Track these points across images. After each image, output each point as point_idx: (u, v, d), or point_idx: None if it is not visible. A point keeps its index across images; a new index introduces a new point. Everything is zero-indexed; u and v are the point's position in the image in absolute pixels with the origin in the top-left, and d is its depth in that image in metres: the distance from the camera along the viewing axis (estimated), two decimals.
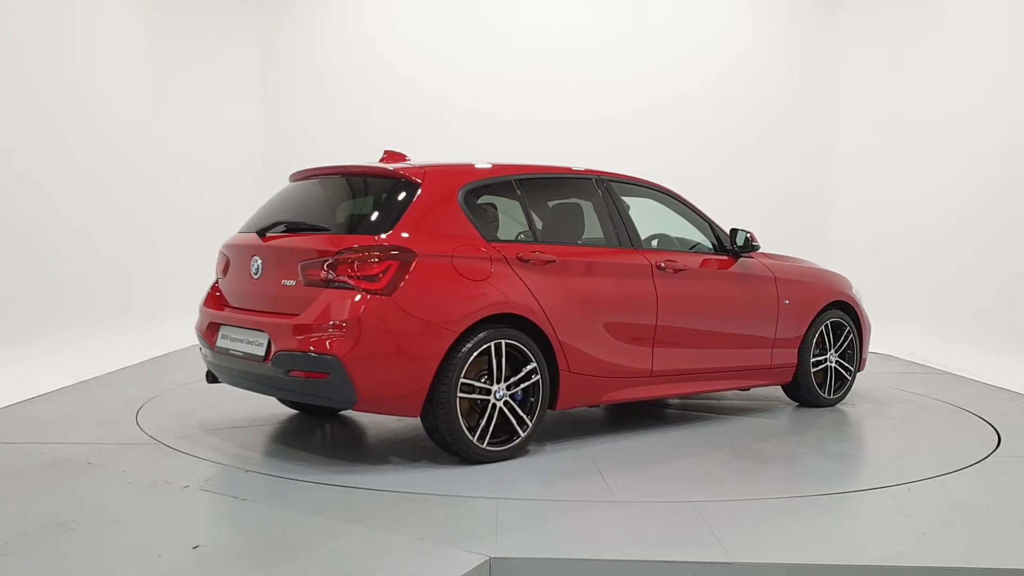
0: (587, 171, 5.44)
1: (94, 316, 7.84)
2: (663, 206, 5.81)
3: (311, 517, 3.64)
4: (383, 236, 4.33)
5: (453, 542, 3.33)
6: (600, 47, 10.73)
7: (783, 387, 6.22)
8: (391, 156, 5.11)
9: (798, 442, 5.21)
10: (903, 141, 10.05)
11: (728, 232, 5.77)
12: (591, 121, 10.69)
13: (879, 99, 10.46)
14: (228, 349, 4.69)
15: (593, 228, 5.35)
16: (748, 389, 6.42)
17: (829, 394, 6.19)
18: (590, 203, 5.38)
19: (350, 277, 4.21)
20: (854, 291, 6.43)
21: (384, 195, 4.58)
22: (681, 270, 5.37)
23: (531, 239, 4.90)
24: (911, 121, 9.91)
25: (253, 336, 4.52)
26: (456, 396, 4.32)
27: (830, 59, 10.92)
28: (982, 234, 8.46)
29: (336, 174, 4.93)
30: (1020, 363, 7.42)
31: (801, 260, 6.43)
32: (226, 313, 4.86)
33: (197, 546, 3.27)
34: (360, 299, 4.18)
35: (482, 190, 4.86)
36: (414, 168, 4.68)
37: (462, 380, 4.33)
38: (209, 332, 4.91)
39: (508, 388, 4.52)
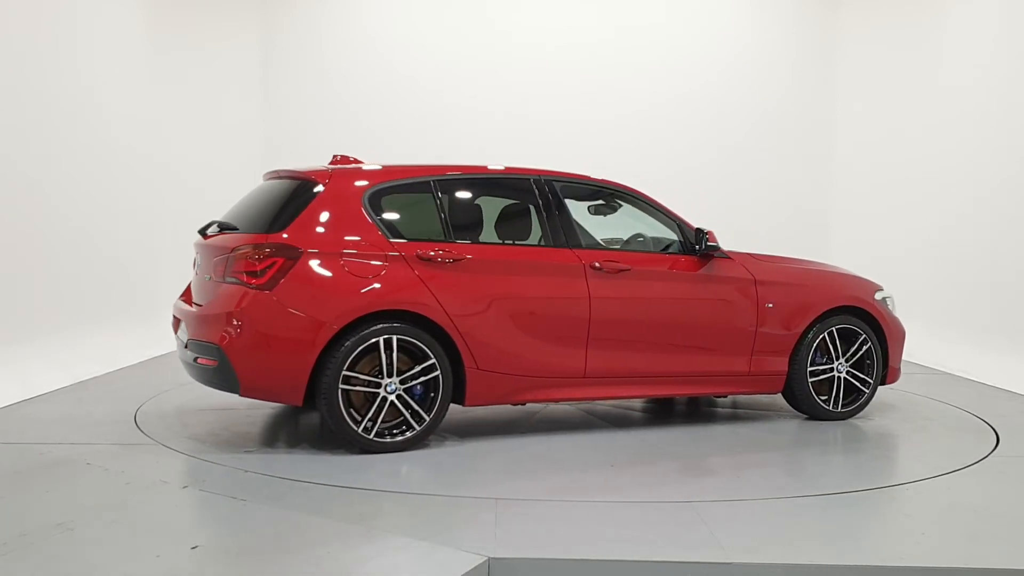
0: (525, 171, 5.40)
1: (94, 316, 7.84)
2: (628, 207, 5.67)
3: (310, 517, 3.64)
4: (273, 235, 4.63)
5: (452, 542, 3.33)
6: (600, 47, 10.73)
7: (785, 398, 5.83)
8: (341, 160, 5.27)
9: (797, 443, 5.20)
10: (903, 141, 10.05)
11: (695, 232, 5.52)
12: (591, 121, 10.69)
13: (879, 99, 10.46)
14: (181, 341, 5.06)
15: (526, 227, 5.33)
16: (725, 396, 6.05)
17: (835, 407, 5.71)
18: (525, 203, 5.35)
19: (238, 273, 4.59)
20: (878, 296, 5.91)
21: (290, 196, 4.87)
22: (624, 270, 5.22)
23: (442, 238, 4.95)
24: (911, 121, 9.90)
25: (184, 328, 5.00)
26: (338, 388, 4.52)
27: (830, 59, 10.92)
28: (982, 234, 8.46)
29: (277, 177, 5.20)
30: (1019, 363, 7.42)
31: (803, 261, 6.06)
32: (183, 307, 5.16)
33: (196, 546, 3.27)
34: (243, 293, 4.54)
35: (392, 191, 5.02)
36: (322, 171, 4.98)
37: (346, 372, 4.53)
38: (175, 326, 5.25)
39: (403, 383, 4.67)
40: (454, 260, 4.86)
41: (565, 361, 5.08)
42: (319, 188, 4.83)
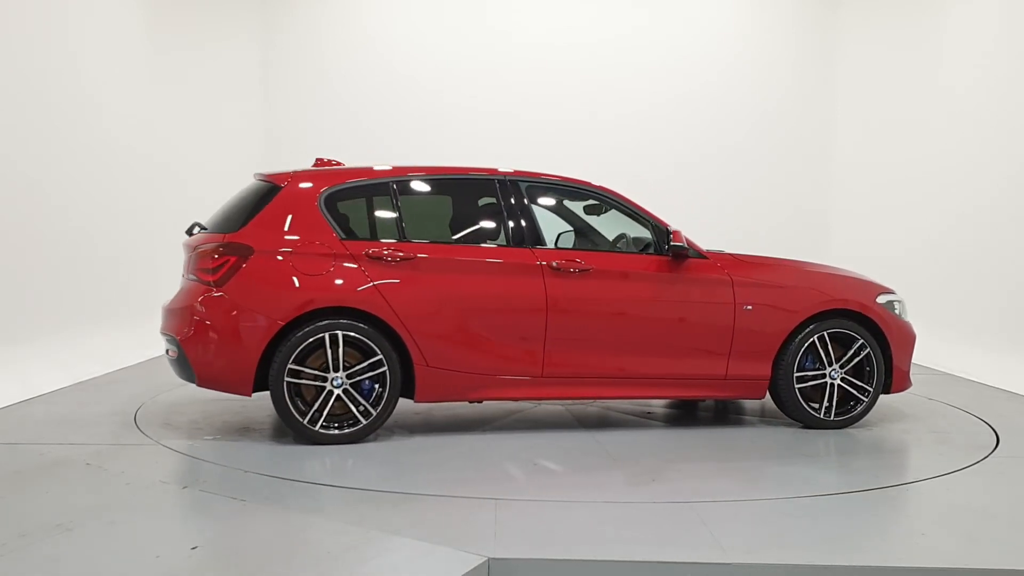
0: (489, 171, 5.40)
1: (93, 316, 7.84)
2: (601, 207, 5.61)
3: (310, 518, 3.64)
4: (231, 234, 4.91)
5: (452, 543, 3.33)
6: (600, 48, 10.76)
7: (776, 405, 5.59)
8: (321, 163, 5.51)
9: (796, 443, 5.20)
10: (903, 141, 10.05)
11: (664, 232, 5.39)
12: (591, 121, 10.70)
13: (879, 99, 10.46)
14: None
15: (488, 227, 5.35)
16: (703, 400, 5.84)
17: (828, 415, 5.46)
18: (488, 203, 5.38)
19: (198, 270, 4.94)
20: (882, 299, 5.62)
21: (254, 198, 5.12)
22: (585, 270, 5.18)
23: (396, 238, 5.07)
24: (911, 121, 9.91)
25: None
26: (283, 380, 4.76)
27: (830, 59, 10.93)
28: (981, 235, 8.46)
29: (257, 179, 5.35)
30: (1018, 364, 7.42)
31: (797, 263, 5.77)
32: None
33: (195, 547, 3.27)
34: (199, 289, 4.90)
35: (349, 192, 5.19)
36: (283, 174, 5.19)
37: (292, 366, 4.76)
38: None
39: (351, 377, 4.85)
40: (404, 259, 4.98)
41: (521, 360, 5.10)
42: (277, 190, 5.07)
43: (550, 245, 5.40)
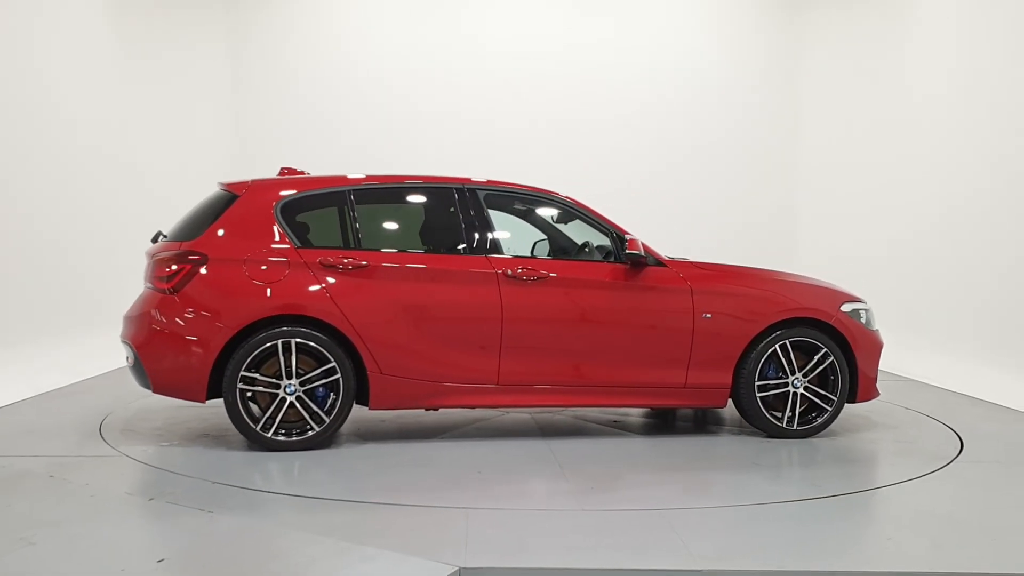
0: (446, 180, 5.42)
1: (57, 326, 7.72)
2: (556, 214, 5.62)
3: (279, 529, 3.61)
4: (187, 243, 4.98)
5: (423, 552, 3.32)
6: (569, 57, 10.82)
7: (740, 414, 5.53)
8: (288, 171, 5.54)
9: (764, 450, 5.24)
10: (869, 147, 10.19)
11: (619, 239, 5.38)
12: (559, 130, 10.76)
13: (845, 105, 10.60)
14: None
15: (445, 235, 5.36)
16: (664, 408, 5.65)
17: (791, 424, 5.42)
18: (445, 212, 5.37)
19: (154, 278, 5.02)
20: (847, 308, 5.56)
21: (211, 206, 5.20)
22: (541, 278, 5.18)
23: (351, 246, 5.12)
24: (877, 127, 10.04)
25: None
26: (236, 387, 4.80)
27: (795, 66, 11.10)
28: (947, 241, 8.59)
29: (219, 187, 5.38)
30: (981, 370, 7.54)
31: (759, 271, 5.68)
32: None
33: (162, 559, 3.23)
34: (154, 297, 4.96)
35: (306, 201, 5.22)
36: (241, 183, 5.25)
37: (244, 373, 4.80)
38: None
39: (304, 384, 4.87)
40: (357, 267, 5.00)
41: (477, 368, 5.11)
42: (234, 198, 5.13)
43: (526, 254, 5.40)
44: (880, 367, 5.73)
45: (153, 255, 5.11)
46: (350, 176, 5.37)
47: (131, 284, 5.38)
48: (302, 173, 5.54)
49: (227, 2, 10.72)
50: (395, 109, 10.63)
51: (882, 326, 5.95)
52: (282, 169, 5.58)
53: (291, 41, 10.78)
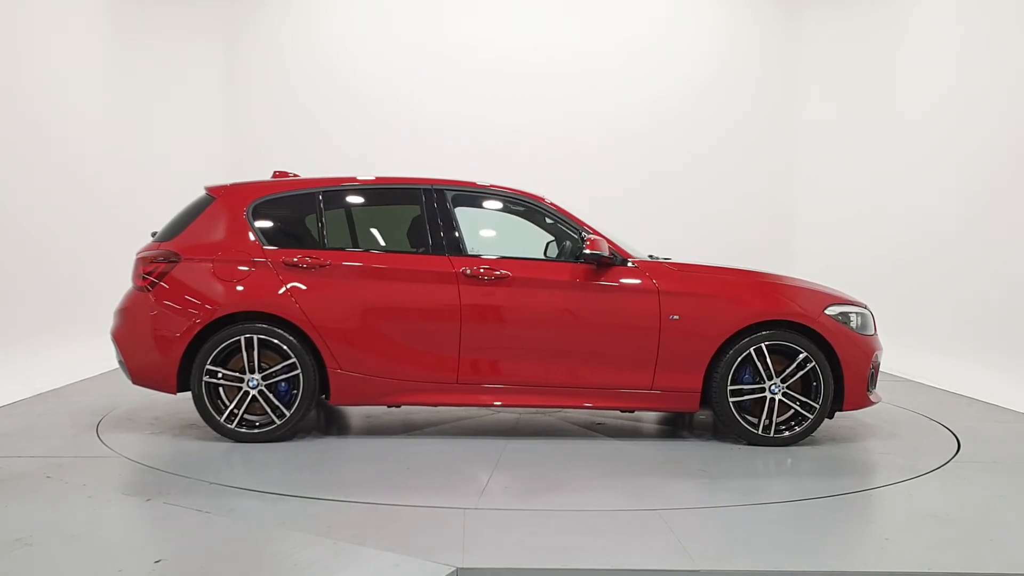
0: (413, 181, 5.50)
1: (53, 326, 7.71)
2: (522, 214, 5.55)
3: (276, 529, 3.60)
4: (165, 243, 5.31)
5: (420, 553, 3.32)
6: (567, 61, 10.82)
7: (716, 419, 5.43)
8: (279, 174, 5.75)
9: (760, 451, 5.24)
10: (867, 150, 10.20)
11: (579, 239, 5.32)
12: (556, 132, 10.75)
13: (844, 108, 10.61)
14: None
15: (411, 235, 5.42)
16: (631, 411, 5.50)
17: (768, 432, 5.25)
18: (411, 212, 5.44)
19: (135, 277, 5.33)
20: (833, 311, 5.30)
21: (192, 208, 5.48)
22: (501, 278, 5.18)
23: (316, 246, 5.31)
24: (875, 130, 10.06)
25: None
26: (201, 380, 5.11)
27: (794, 69, 11.09)
28: (945, 243, 8.60)
29: (204, 191, 5.62)
30: (978, 370, 7.55)
31: (736, 272, 5.50)
32: None
33: (159, 560, 3.22)
34: (133, 294, 5.32)
35: (276, 203, 5.44)
36: (219, 186, 5.54)
37: (209, 367, 5.09)
38: None
39: (266, 379, 5.12)
40: (319, 266, 5.19)
41: (436, 367, 5.18)
42: (211, 201, 5.44)
43: (514, 255, 5.31)
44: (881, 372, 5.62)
45: (137, 254, 5.42)
46: (321, 178, 5.54)
47: (126, 285, 5.41)
48: (295, 176, 5.71)
49: (225, 2, 10.71)
50: (390, 110, 10.63)
51: (880, 326, 5.82)
52: (275, 173, 5.75)
53: (283, 47, 10.78)
